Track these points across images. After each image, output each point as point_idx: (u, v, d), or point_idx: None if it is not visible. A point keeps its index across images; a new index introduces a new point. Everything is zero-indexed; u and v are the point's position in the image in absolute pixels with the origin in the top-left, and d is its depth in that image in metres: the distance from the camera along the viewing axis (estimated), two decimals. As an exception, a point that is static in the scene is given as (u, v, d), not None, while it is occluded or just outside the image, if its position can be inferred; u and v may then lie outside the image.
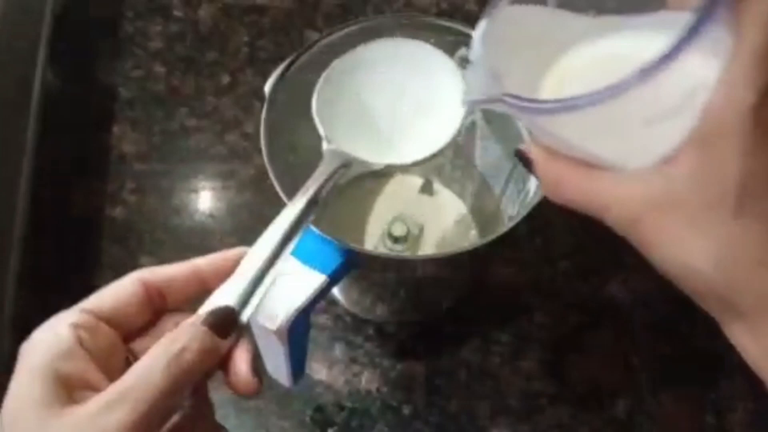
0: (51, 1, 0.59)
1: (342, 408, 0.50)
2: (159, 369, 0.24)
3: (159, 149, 0.60)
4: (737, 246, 0.22)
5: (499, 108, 0.26)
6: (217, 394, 0.29)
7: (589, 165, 0.24)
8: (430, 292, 0.52)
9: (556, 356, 0.52)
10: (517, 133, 0.43)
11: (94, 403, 0.23)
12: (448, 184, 0.55)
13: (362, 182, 0.55)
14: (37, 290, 0.52)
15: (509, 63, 0.27)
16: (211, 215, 0.57)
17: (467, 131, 0.48)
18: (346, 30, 0.42)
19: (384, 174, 0.55)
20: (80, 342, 0.25)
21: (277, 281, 0.33)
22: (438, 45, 0.36)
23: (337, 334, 0.52)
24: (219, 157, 0.59)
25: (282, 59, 0.42)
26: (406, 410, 0.50)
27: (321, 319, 0.52)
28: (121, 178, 0.58)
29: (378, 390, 0.51)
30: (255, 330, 0.34)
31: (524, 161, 0.28)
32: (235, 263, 0.29)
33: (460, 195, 0.55)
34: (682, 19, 0.20)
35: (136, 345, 0.28)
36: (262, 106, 0.40)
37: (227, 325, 0.27)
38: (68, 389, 0.24)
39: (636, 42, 0.24)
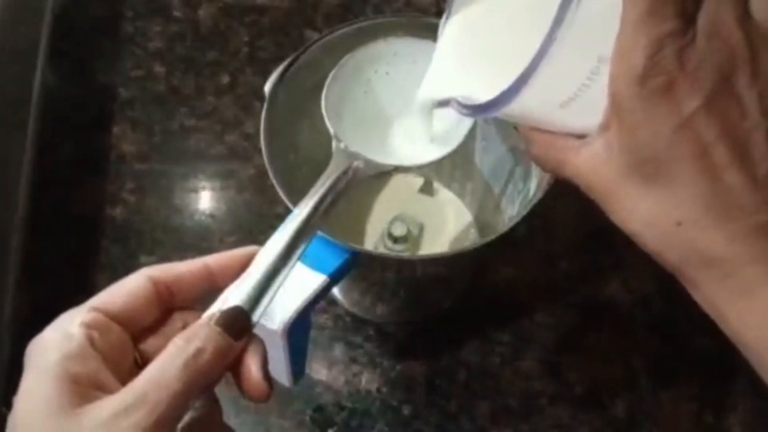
0: (51, 1, 0.59)
1: (342, 408, 0.50)
2: (175, 370, 0.24)
3: (159, 149, 0.60)
4: (658, 209, 0.24)
5: (451, 108, 0.29)
6: (218, 393, 0.28)
7: (563, 135, 0.26)
8: (430, 292, 0.52)
9: (556, 356, 0.52)
10: (517, 133, 0.43)
11: (111, 405, 0.23)
12: (448, 184, 0.55)
13: (362, 182, 0.55)
14: (37, 290, 0.52)
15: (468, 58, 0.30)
16: (211, 215, 0.57)
17: (467, 132, 0.48)
18: (346, 30, 0.42)
19: (384, 174, 0.55)
20: (92, 342, 0.25)
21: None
22: (438, 45, 0.36)
23: (337, 334, 0.52)
24: (219, 157, 0.59)
25: (282, 59, 0.42)
26: (406, 410, 0.50)
27: (321, 319, 0.52)
28: (121, 178, 0.58)
29: (378, 390, 0.51)
30: (255, 329, 0.34)
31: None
32: (246, 262, 0.29)
33: (460, 195, 0.55)
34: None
35: (145, 344, 0.28)
36: (262, 106, 0.40)
37: (240, 326, 0.26)
38: (80, 391, 0.23)
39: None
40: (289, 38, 0.64)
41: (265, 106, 0.40)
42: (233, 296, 0.27)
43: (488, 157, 0.49)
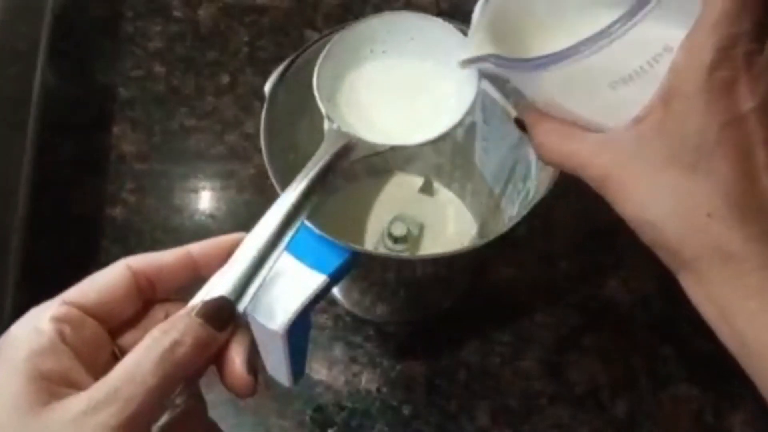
0: (51, 1, 0.59)
1: (342, 408, 0.50)
2: (149, 364, 0.22)
3: (159, 149, 0.60)
4: (690, 198, 0.24)
5: (487, 67, 0.29)
6: (216, 392, 0.27)
7: (574, 127, 0.27)
8: (430, 292, 0.52)
9: (556, 356, 0.52)
10: (517, 133, 0.43)
11: (78, 402, 0.21)
12: (448, 184, 0.55)
13: (362, 182, 0.55)
14: (37, 290, 0.51)
15: (504, 29, 0.30)
16: (211, 215, 0.57)
17: (467, 132, 0.48)
18: (346, 30, 0.42)
19: (384, 173, 0.55)
20: (62, 337, 0.23)
21: (277, 281, 0.33)
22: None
23: (337, 334, 0.52)
24: (219, 157, 0.59)
25: (282, 59, 0.42)
26: (406, 410, 0.50)
27: (321, 319, 0.52)
28: (120, 178, 0.58)
29: (378, 390, 0.51)
30: (255, 329, 0.34)
31: (521, 126, 0.31)
32: (231, 249, 0.27)
33: (460, 195, 0.55)
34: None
35: (124, 338, 0.26)
36: (262, 106, 0.40)
37: (224, 316, 0.25)
38: (50, 388, 0.22)
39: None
40: (289, 38, 0.64)
41: (265, 106, 0.40)
42: (217, 285, 0.26)
43: (488, 158, 0.49)
